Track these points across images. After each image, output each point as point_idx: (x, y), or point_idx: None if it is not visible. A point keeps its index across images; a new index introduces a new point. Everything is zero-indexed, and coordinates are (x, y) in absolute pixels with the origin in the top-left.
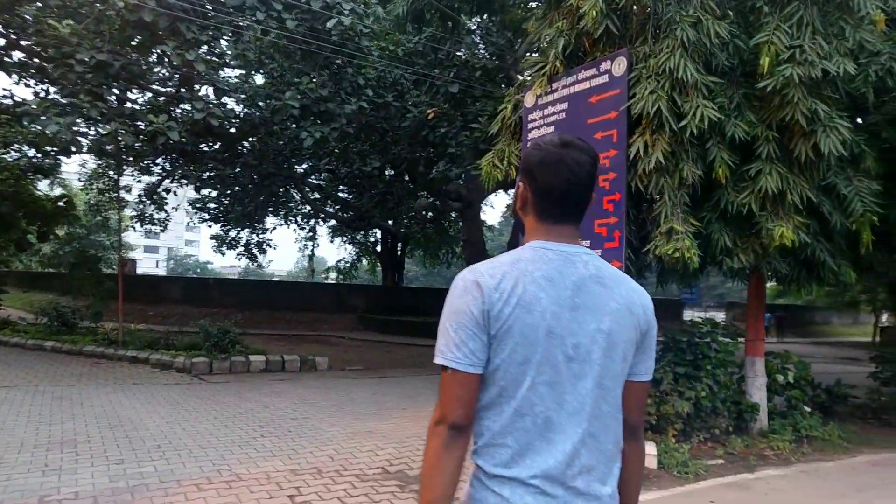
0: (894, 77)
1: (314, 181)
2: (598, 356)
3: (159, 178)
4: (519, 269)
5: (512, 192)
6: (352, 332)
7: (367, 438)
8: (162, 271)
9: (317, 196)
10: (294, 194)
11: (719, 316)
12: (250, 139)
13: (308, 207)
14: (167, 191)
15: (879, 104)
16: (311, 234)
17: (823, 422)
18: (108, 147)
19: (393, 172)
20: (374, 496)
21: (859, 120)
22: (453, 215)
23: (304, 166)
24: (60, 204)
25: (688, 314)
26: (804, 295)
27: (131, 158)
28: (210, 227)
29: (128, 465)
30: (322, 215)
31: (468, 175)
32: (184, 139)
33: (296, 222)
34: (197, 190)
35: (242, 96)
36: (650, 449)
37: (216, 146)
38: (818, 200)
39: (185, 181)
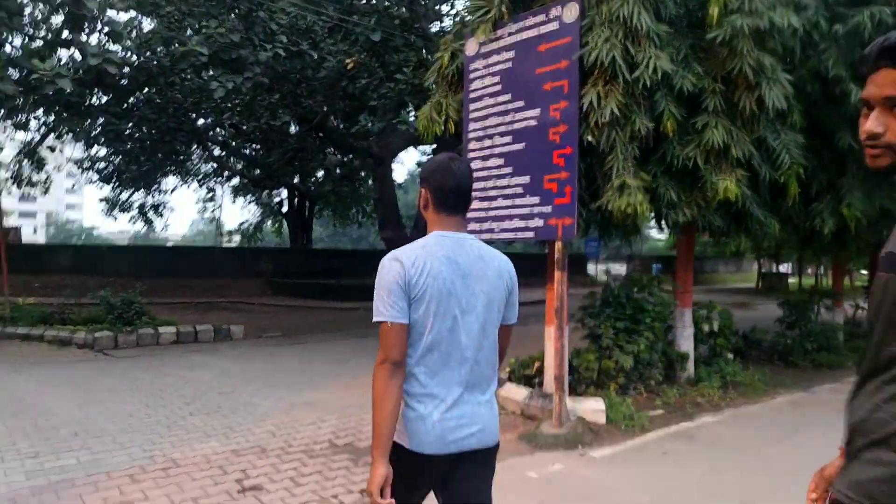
0: (820, 31)
1: (216, 136)
2: (482, 309)
3: (40, 134)
4: (427, 251)
5: (425, 147)
6: (262, 297)
7: (307, 410)
8: (41, 238)
9: (220, 153)
10: (196, 152)
11: (619, 268)
12: (146, 90)
13: (212, 165)
14: (51, 149)
15: (805, 59)
16: (211, 194)
17: (743, 367)
18: None
19: (304, 128)
20: (327, 473)
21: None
22: (363, 173)
23: (206, 121)
24: None
25: (591, 268)
26: (733, 246)
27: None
28: (100, 188)
29: (44, 458)
30: (227, 173)
31: (387, 129)
32: (70, 90)
33: (197, 182)
34: (87, 146)
35: (138, 42)
36: (597, 404)
37: (106, 98)
38: (749, 154)
39: (74, 138)
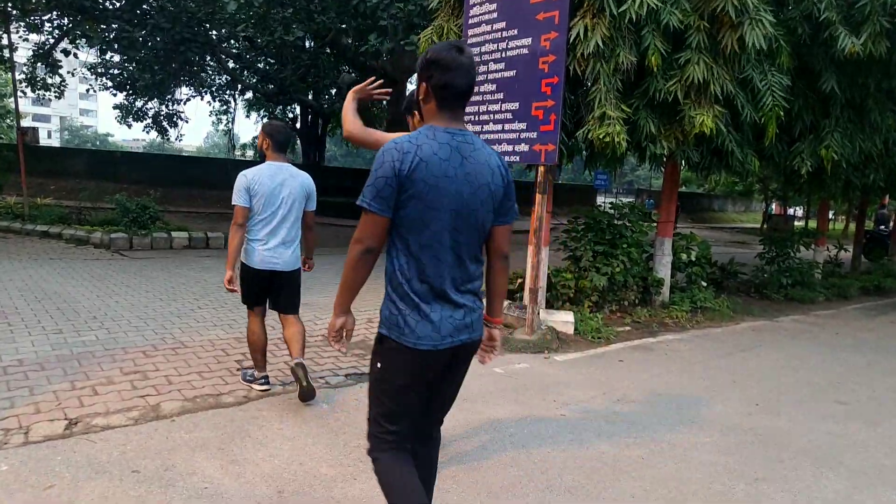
0: None
1: (230, 49)
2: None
3: (54, 38)
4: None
5: None
6: None
7: (305, 310)
8: (56, 142)
9: (234, 66)
10: (210, 63)
11: (627, 201)
12: None
13: (225, 78)
14: (65, 52)
15: (798, 0)
16: (225, 107)
17: (716, 295)
18: None
19: (316, 44)
20: (318, 360)
21: (780, 15)
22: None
23: (220, 33)
24: None
25: (600, 199)
26: (712, 183)
27: (16, 11)
28: (114, 94)
29: (67, 334)
30: (240, 86)
31: (397, 51)
32: None
33: (211, 94)
34: (101, 52)
35: None
36: (568, 317)
37: (120, 3)
38: (734, 93)
39: (87, 43)
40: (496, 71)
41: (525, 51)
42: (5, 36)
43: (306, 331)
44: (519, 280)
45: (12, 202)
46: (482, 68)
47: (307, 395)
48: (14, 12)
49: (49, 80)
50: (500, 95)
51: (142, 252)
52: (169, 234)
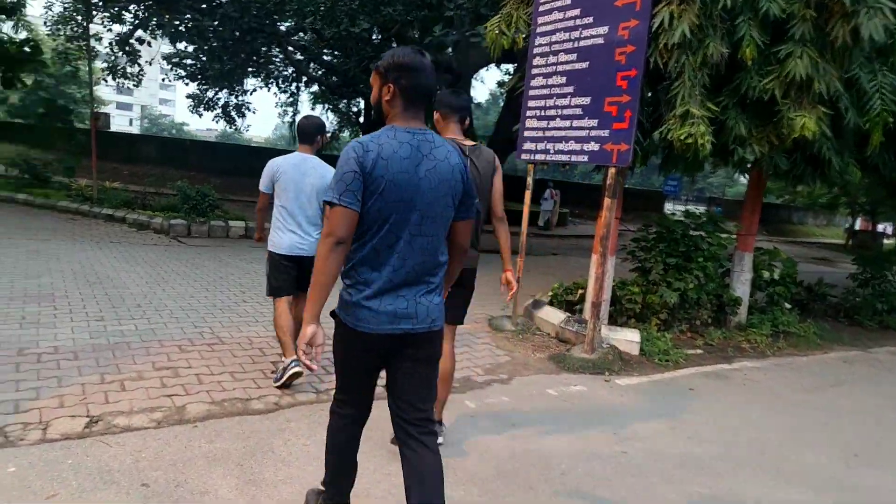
0: None
1: (298, 41)
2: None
3: (131, 27)
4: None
5: (507, 66)
6: None
7: None
8: (136, 130)
9: (300, 57)
10: (276, 54)
11: (698, 210)
12: None
13: (291, 69)
14: (141, 41)
15: None
16: (292, 99)
17: (800, 319)
18: None
19: (382, 36)
20: None
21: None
22: (441, 89)
23: (288, 24)
24: (26, 49)
25: (668, 206)
26: (801, 193)
27: (106, 2)
28: (186, 84)
29: (108, 322)
30: (305, 78)
31: (463, 44)
32: None
33: (277, 85)
34: (172, 42)
35: None
36: (633, 336)
37: None
38: (839, 93)
39: (160, 31)
40: (566, 62)
41: (600, 40)
42: (90, 27)
43: None
44: (580, 291)
45: (83, 185)
46: (551, 59)
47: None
48: (98, 2)
49: (129, 70)
50: (570, 89)
51: (199, 240)
52: (226, 222)
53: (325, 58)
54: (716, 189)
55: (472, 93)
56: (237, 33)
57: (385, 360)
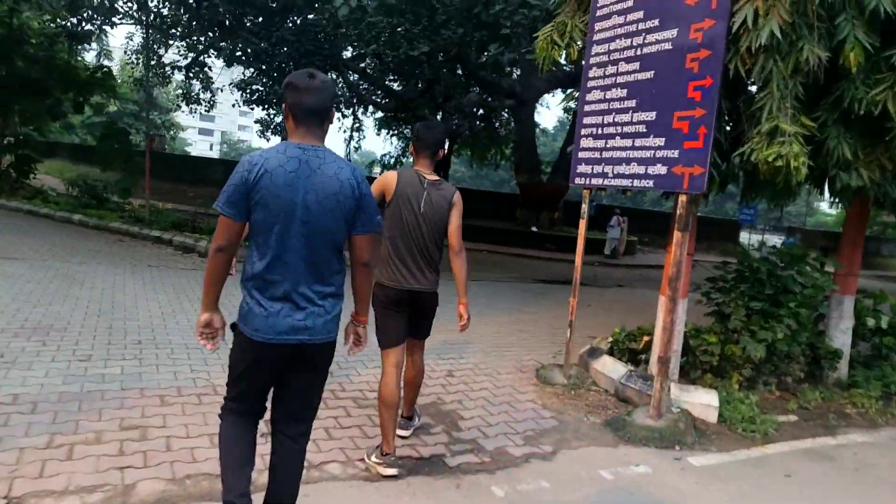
0: None
1: (359, 66)
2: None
3: (194, 53)
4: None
5: (570, 91)
6: None
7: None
8: (216, 154)
9: (361, 82)
10: (334, 78)
11: (776, 241)
12: (292, 16)
13: (350, 93)
14: (201, 65)
15: None
16: (356, 124)
17: None
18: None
19: (441, 59)
20: (345, 422)
21: None
22: (505, 114)
23: (350, 52)
24: (98, 74)
25: (744, 236)
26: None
27: (175, 31)
28: (252, 109)
29: (93, 362)
30: (364, 102)
31: (526, 69)
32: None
33: (339, 111)
34: (228, 64)
35: None
36: (709, 398)
37: (257, 20)
38: None
39: (218, 55)
40: (627, 73)
41: (668, 45)
42: (162, 53)
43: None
44: (645, 338)
45: (136, 206)
46: (609, 69)
47: None
48: (174, 31)
49: (202, 96)
50: (632, 103)
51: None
52: None
53: (385, 82)
54: (794, 218)
55: (538, 118)
56: (294, 55)
57: (278, 369)
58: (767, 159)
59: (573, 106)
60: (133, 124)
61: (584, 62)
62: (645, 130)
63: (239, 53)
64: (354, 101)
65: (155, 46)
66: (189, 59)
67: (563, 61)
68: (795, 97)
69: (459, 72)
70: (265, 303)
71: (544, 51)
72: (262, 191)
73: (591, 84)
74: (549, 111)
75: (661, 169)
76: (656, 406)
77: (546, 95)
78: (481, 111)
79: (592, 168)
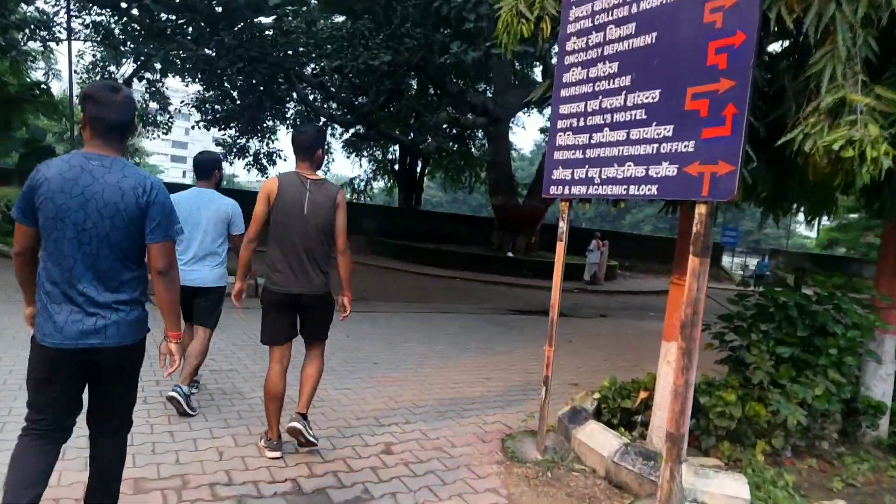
0: None
1: (314, 76)
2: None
3: (136, 65)
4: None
5: (547, 109)
6: (359, 255)
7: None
8: (189, 181)
9: (312, 94)
10: (284, 89)
11: (753, 263)
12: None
13: (305, 109)
14: (140, 78)
15: None
16: (327, 147)
17: None
18: None
19: (401, 67)
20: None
21: None
22: (479, 134)
23: (305, 61)
24: (36, 92)
25: (726, 260)
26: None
27: (108, 40)
28: (208, 129)
29: None
30: (316, 115)
31: (500, 86)
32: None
33: (293, 127)
34: (163, 73)
35: None
36: (735, 487)
37: (198, 26)
38: None
39: (163, 67)
40: (618, 40)
41: None
42: (113, 71)
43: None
44: (642, 394)
45: None
46: (594, 37)
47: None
48: (125, 47)
49: (159, 118)
50: (626, 80)
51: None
52: None
53: (343, 95)
54: (773, 241)
55: (514, 139)
56: (235, 63)
57: (74, 378)
58: (831, 146)
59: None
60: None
61: (559, 31)
62: (644, 117)
63: (177, 62)
64: (309, 114)
65: (103, 63)
66: (130, 70)
67: (531, 48)
68: (869, 55)
69: (431, 91)
70: (52, 308)
71: (508, 24)
72: (41, 197)
73: (568, 60)
74: (525, 132)
75: (668, 169)
76: (665, 499)
77: (521, 115)
78: (453, 130)
79: (573, 173)
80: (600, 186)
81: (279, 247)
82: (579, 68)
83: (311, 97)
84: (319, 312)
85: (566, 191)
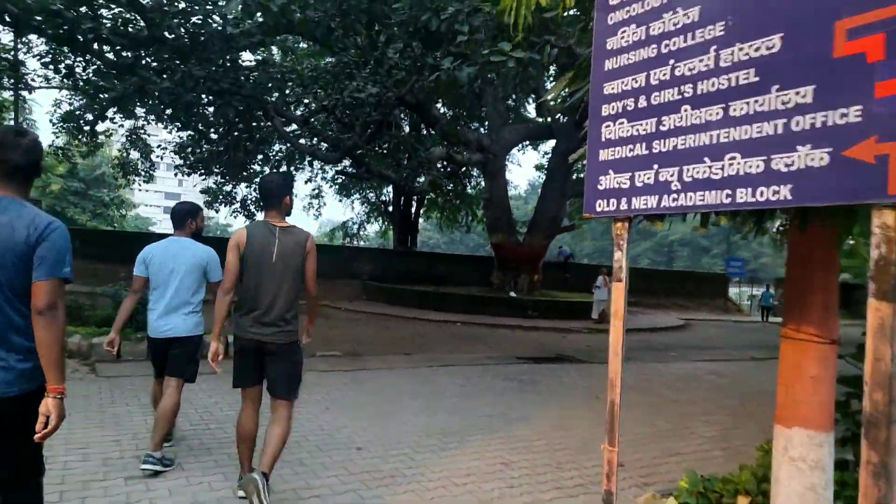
0: None
1: (295, 112)
2: None
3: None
4: None
5: (546, 146)
6: (353, 302)
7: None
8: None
9: (293, 130)
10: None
11: (758, 294)
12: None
13: (286, 146)
14: (104, 118)
15: None
16: (316, 191)
17: None
18: None
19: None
20: None
21: None
22: (474, 172)
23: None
24: None
25: (733, 290)
26: None
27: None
28: (188, 175)
29: None
30: (300, 153)
31: (496, 121)
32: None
33: (280, 168)
34: (127, 114)
35: None
36: None
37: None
38: None
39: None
40: None
41: None
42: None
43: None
44: (743, 501)
45: None
46: None
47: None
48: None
49: (140, 166)
50: (715, 30)
51: (128, 365)
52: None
53: (328, 132)
54: (770, 270)
55: (509, 175)
56: (207, 96)
57: None
58: None
59: (545, 163)
60: (79, 203)
61: None
62: (755, 79)
63: (139, 100)
64: (294, 153)
65: (79, 110)
66: (94, 114)
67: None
68: None
69: (424, 130)
70: None
71: None
72: None
73: (614, 17)
74: (521, 169)
75: (811, 156)
76: None
77: (515, 152)
78: (448, 167)
79: (632, 178)
80: (681, 195)
81: (246, 294)
82: (633, 26)
83: (293, 133)
84: (283, 363)
85: (623, 205)
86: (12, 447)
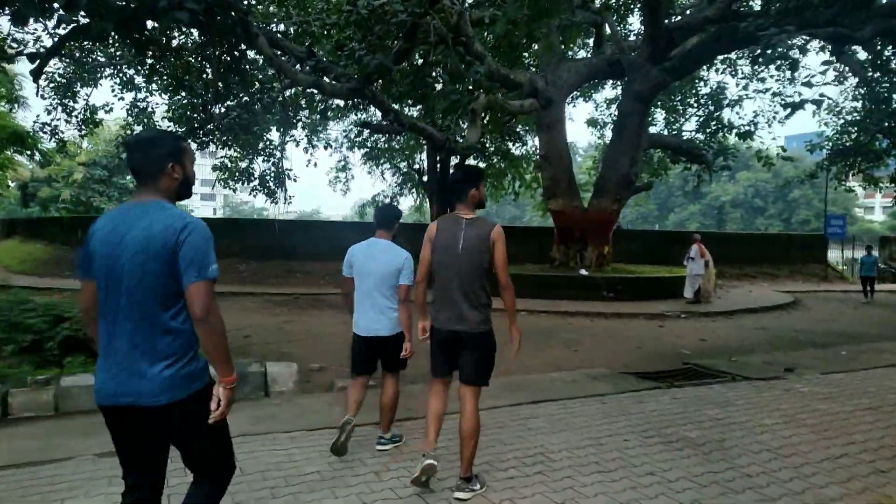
0: None
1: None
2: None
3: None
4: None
5: (608, 91)
6: None
7: None
8: (222, 215)
9: (302, 66)
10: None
11: (864, 256)
12: None
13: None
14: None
15: None
16: (343, 162)
17: None
18: None
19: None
20: None
21: None
22: (520, 129)
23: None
24: None
25: (833, 255)
26: None
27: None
28: (198, 148)
29: None
30: (299, 86)
31: (553, 61)
32: None
33: (303, 141)
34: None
35: None
36: None
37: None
38: None
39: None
40: None
41: None
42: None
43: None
44: None
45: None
46: None
47: (337, 450)
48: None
49: None
50: None
51: (21, 426)
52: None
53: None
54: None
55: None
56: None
57: (128, 436)
58: None
59: (599, 118)
60: (104, 191)
61: None
62: None
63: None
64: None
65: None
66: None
67: None
68: None
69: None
70: (100, 362)
71: None
72: (91, 252)
73: None
74: (574, 124)
75: None
76: None
77: (575, 94)
78: (487, 118)
79: None
80: None
81: (438, 286)
82: None
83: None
84: (475, 352)
85: None
86: (152, 457)
